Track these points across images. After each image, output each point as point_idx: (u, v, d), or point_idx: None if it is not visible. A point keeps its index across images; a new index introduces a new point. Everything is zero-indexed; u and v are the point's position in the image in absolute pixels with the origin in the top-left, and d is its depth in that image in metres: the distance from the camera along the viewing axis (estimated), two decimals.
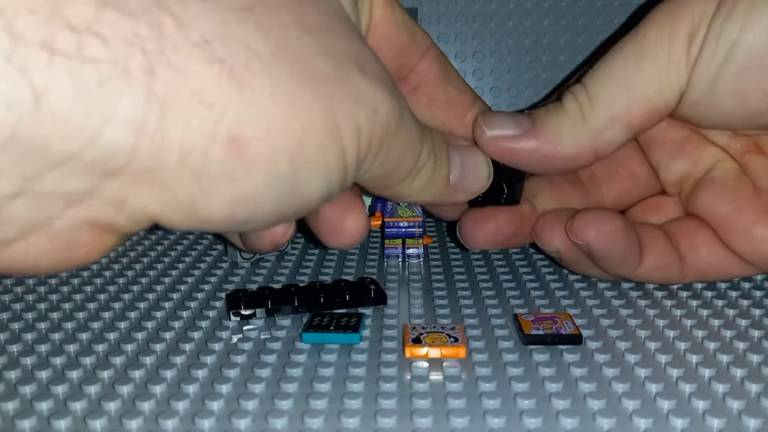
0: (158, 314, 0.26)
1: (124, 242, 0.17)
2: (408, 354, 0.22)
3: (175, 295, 0.28)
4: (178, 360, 0.22)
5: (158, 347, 0.23)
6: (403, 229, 0.32)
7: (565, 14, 0.40)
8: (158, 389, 0.20)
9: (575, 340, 0.23)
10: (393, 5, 0.22)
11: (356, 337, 0.23)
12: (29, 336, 0.24)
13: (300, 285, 0.27)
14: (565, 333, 0.23)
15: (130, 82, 0.12)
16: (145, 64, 0.12)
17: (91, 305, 0.27)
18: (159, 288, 0.29)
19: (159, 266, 0.32)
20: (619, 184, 0.28)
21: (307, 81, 0.15)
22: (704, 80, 0.22)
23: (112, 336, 0.24)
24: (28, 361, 0.22)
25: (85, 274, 0.31)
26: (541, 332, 0.23)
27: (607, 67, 0.23)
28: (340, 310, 0.26)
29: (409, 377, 0.21)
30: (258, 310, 0.25)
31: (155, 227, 0.37)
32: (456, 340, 0.22)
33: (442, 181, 0.22)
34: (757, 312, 0.25)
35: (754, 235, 0.24)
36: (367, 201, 0.40)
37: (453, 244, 0.35)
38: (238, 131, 0.14)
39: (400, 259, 0.33)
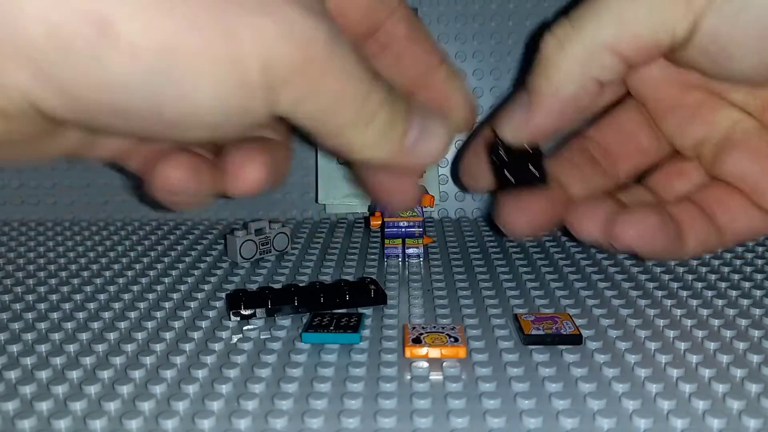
0: (158, 314, 0.26)
1: (34, 138, 0.17)
2: (408, 354, 0.22)
3: (175, 295, 0.28)
4: (178, 360, 0.22)
5: (158, 347, 0.23)
6: (403, 229, 0.32)
7: (564, 14, 0.40)
8: (158, 389, 0.20)
9: (575, 340, 0.23)
10: None
11: (356, 337, 0.23)
12: (29, 336, 0.24)
13: (300, 285, 0.27)
14: (565, 333, 0.23)
15: None
16: None
17: (91, 305, 0.27)
18: (159, 288, 0.29)
19: (159, 266, 0.32)
20: (631, 160, 0.28)
21: None
22: (718, 32, 0.21)
23: (112, 336, 0.24)
24: (28, 361, 0.22)
25: (86, 274, 0.31)
26: (541, 332, 0.23)
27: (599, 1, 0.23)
28: (340, 310, 0.26)
29: (409, 377, 0.21)
30: (258, 310, 0.25)
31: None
32: (456, 340, 0.22)
33: (399, 136, 0.21)
34: (757, 312, 0.25)
35: None
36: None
37: (454, 245, 0.35)
38: (107, 10, 0.14)
39: (400, 259, 0.33)
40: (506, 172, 0.26)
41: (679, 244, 0.25)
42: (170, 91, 0.15)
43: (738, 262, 0.31)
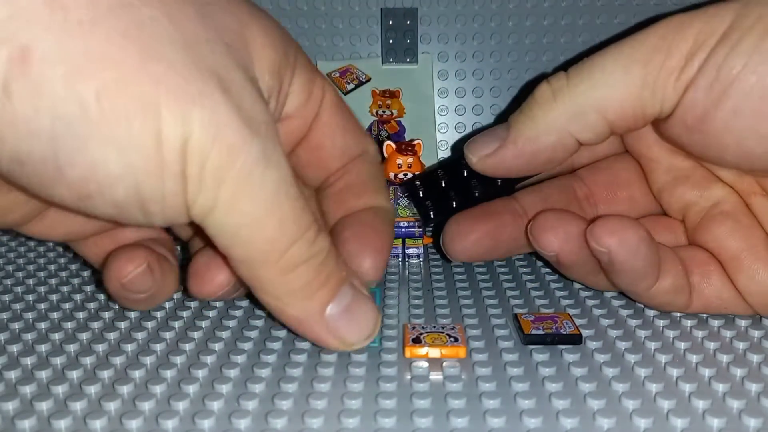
0: (158, 314, 0.26)
1: None
2: (408, 354, 0.22)
3: (175, 295, 0.28)
4: (178, 360, 0.22)
5: (158, 347, 0.23)
6: (403, 229, 0.32)
7: (565, 14, 0.40)
8: (158, 389, 0.20)
9: (575, 339, 0.23)
10: (341, 109, 0.24)
11: (376, 340, 0.23)
12: (29, 336, 0.24)
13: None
14: (565, 333, 0.23)
15: None
16: None
17: (91, 305, 0.27)
18: None
19: None
20: (617, 207, 0.28)
21: (137, 48, 0.14)
22: (699, 107, 0.21)
23: (112, 336, 0.24)
24: (28, 361, 0.22)
25: (85, 274, 0.31)
26: (541, 332, 0.23)
27: (597, 61, 0.23)
28: None
29: (409, 377, 0.21)
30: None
31: None
32: (456, 340, 0.22)
33: (319, 301, 0.19)
34: None
35: (765, 278, 0.23)
36: None
37: None
38: (32, 44, 0.13)
39: (400, 259, 0.33)
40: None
41: (655, 275, 0.23)
42: (75, 148, 0.14)
43: None
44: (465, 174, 0.27)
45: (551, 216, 0.24)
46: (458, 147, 0.40)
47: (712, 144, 0.22)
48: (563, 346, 0.23)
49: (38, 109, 0.14)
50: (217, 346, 0.23)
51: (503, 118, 0.41)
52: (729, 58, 0.20)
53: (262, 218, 0.17)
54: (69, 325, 0.25)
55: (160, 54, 0.15)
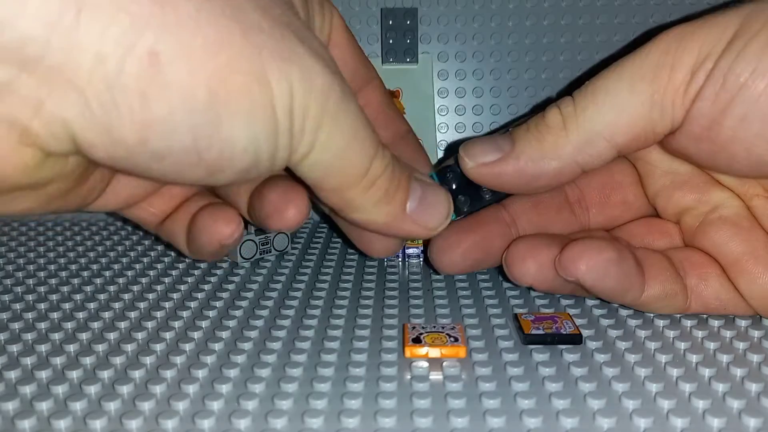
0: (158, 314, 0.26)
1: (62, 185, 0.17)
2: (408, 354, 0.22)
3: (175, 295, 0.28)
4: (178, 360, 0.22)
5: (158, 347, 0.23)
6: None
7: (565, 14, 0.40)
8: (158, 389, 0.20)
9: (575, 339, 0.23)
10: (349, 33, 0.24)
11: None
12: (29, 336, 0.24)
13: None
14: (565, 333, 0.23)
15: None
16: None
17: (91, 305, 0.27)
18: (159, 288, 0.29)
19: (159, 266, 0.32)
20: (610, 211, 0.27)
21: (237, 24, 0.15)
22: (706, 117, 0.21)
23: (112, 336, 0.24)
24: (28, 361, 0.22)
25: (86, 274, 0.31)
26: (541, 332, 0.23)
27: (600, 83, 0.22)
28: None
29: (409, 377, 0.21)
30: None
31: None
32: (456, 339, 0.22)
33: (399, 202, 0.22)
34: None
35: (766, 282, 0.23)
36: None
37: None
38: (157, 47, 0.14)
39: (400, 259, 0.33)
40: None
41: (637, 287, 0.23)
42: (210, 133, 0.16)
43: None
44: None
45: (522, 246, 0.24)
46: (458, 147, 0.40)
47: (720, 153, 0.22)
48: (563, 346, 0.23)
49: (174, 107, 0.15)
50: (217, 346, 0.23)
51: (504, 118, 0.41)
52: (735, 65, 0.20)
53: (350, 147, 0.19)
54: (69, 325, 0.25)
55: (252, 23, 0.16)
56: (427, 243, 0.28)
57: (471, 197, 0.26)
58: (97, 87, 0.14)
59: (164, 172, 0.17)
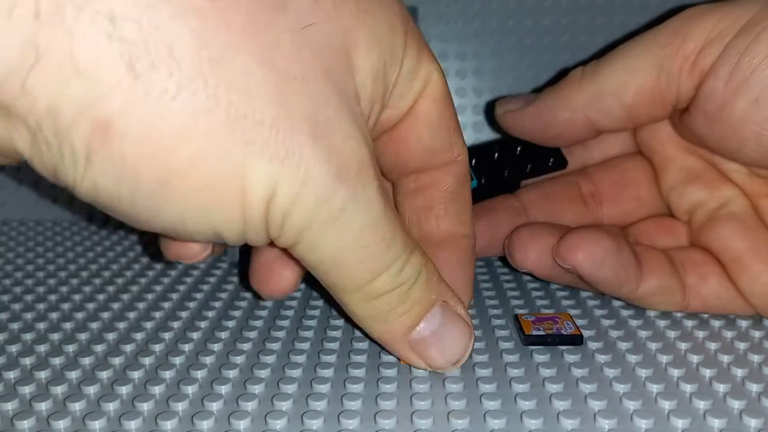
0: (157, 314, 0.26)
1: None
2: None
3: (174, 296, 0.28)
4: (177, 360, 0.22)
5: (157, 348, 0.23)
6: None
7: (565, 14, 0.40)
8: (157, 390, 0.20)
9: (576, 340, 0.23)
10: (444, 100, 0.20)
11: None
12: (29, 336, 0.24)
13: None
14: (565, 333, 0.23)
15: (11, 21, 0.12)
16: (34, 10, 0.12)
17: (90, 305, 0.27)
18: (158, 288, 0.29)
19: (158, 266, 0.32)
20: (623, 205, 0.28)
21: (226, 108, 0.14)
22: (719, 96, 0.21)
23: (111, 336, 0.24)
24: (28, 361, 0.22)
25: (84, 274, 0.31)
26: (541, 333, 0.23)
27: (621, 47, 0.24)
28: None
29: (409, 378, 0.21)
30: None
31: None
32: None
33: (402, 326, 0.19)
34: None
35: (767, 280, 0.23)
36: None
37: None
38: (111, 118, 0.13)
39: None
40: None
41: (634, 279, 0.23)
42: (154, 214, 0.15)
43: None
44: (496, 157, 0.29)
45: (525, 232, 0.25)
46: None
47: (731, 136, 0.22)
48: (564, 347, 0.22)
49: (119, 181, 0.14)
50: (216, 347, 0.23)
51: None
52: (751, 47, 0.20)
53: (345, 257, 0.17)
54: (68, 325, 0.25)
55: (249, 111, 0.14)
56: None
57: (489, 173, 0.28)
58: (46, 134, 0.13)
59: (121, 218, 0.16)
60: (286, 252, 0.18)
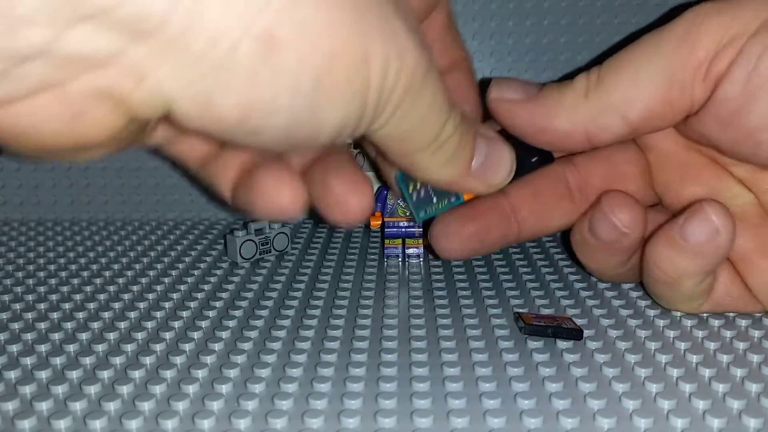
0: (158, 314, 0.26)
1: (133, 137, 0.17)
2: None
3: (175, 295, 0.28)
4: (178, 360, 0.22)
5: (158, 347, 0.23)
6: (403, 229, 0.32)
7: (565, 14, 0.40)
8: (158, 389, 0.20)
9: (576, 335, 0.23)
10: None
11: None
12: (29, 336, 0.24)
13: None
14: (566, 327, 0.23)
15: None
16: None
17: (91, 305, 0.27)
18: (159, 288, 0.29)
19: (159, 266, 0.32)
20: None
21: (350, 3, 0.15)
22: (734, 101, 0.21)
23: (111, 336, 0.24)
24: (28, 361, 0.22)
25: (85, 274, 0.31)
26: (542, 324, 0.23)
27: (626, 54, 0.23)
28: None
29: (408, 377, 0.21)
30: None
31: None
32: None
33: (464, 162, 0.22)
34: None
35: None
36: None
37: None
38: (274, 30, 0.14)
39: (400, 259, 0.33)
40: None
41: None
42: (308, 117, 0.16)
43: None
44: None
45: (619, 195, 0.25)
46: None
47: (745, 140, 0.21)
48: (563, 346, 0.23)
49: (278, 92, 0.15)
50: (217, 347, 0.23)
51: None
52: None
53: (426, 117, 0.19)
54: (69, 325, 0.25)
55: (360, 4, 0.15)
56: (428, 226, 0.28)
57: None
58: (207, 65, 0.14)
59: (247, 142, 0.17)
60: (354, 174, 0.20)
